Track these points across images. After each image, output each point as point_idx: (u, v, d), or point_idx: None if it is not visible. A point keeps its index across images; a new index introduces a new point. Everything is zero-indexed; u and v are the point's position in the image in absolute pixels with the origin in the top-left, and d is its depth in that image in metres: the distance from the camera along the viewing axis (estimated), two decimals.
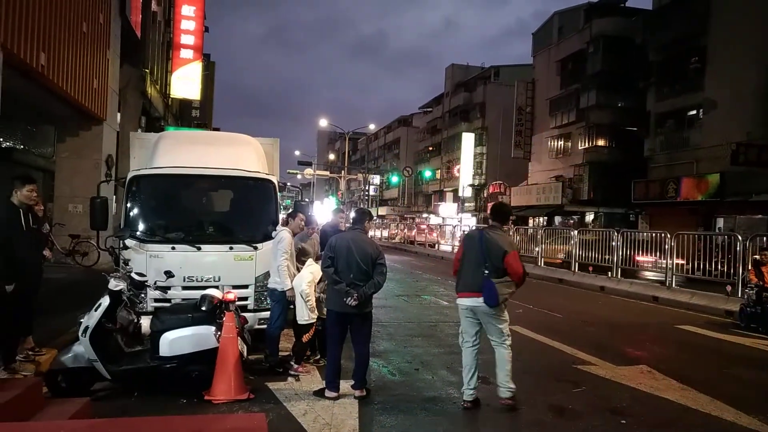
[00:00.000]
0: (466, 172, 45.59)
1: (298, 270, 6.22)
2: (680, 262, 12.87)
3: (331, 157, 79.27)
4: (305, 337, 5.95)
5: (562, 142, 34.53)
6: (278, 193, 7.16)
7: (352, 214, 5.85)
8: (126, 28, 15.14)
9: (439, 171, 53.00)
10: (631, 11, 31.84)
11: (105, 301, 5.05)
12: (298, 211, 6.67)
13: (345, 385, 5.27)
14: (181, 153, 7.08)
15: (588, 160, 31.25)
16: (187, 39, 22.27)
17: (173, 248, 6.41)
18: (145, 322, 5.57)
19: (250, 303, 6.61)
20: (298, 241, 6.58)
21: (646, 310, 11.64)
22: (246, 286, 6.58)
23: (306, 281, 5.86)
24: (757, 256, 10.18)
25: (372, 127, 60.84)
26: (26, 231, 5.46)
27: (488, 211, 5.76)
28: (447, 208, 47.93)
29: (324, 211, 38.68)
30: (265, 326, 6.35)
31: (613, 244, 14.70)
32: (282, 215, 7.15)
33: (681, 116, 25.72)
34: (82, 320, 5.04)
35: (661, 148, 26.32)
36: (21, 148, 14.43)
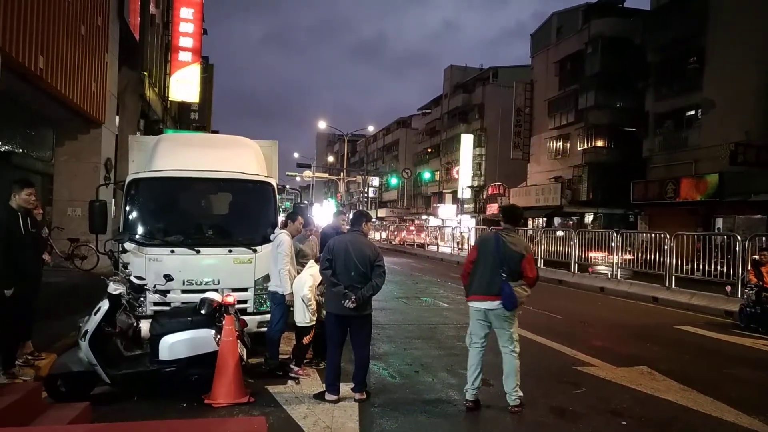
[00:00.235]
0: (465, 173, 45.60)
1: (298, 272, 6.22)
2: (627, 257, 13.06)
3: (330, 159, 79.27)
4: (306, 339, 5.94)
5: (561, 143, 34.55)
6: (277, 196, 7.15)
7: (350, 216, 5.85)
8: (124, 31, 15.14)
9: (438, 172, 53.00)
10: (630, 12, 31.88)
11: (104, 304, 5.03)
12: (296, 213, 6.67)
13: (345, 388, 5.26)
14: (180, 156, 7.07)
15: (587, 161, 31.27)
16: (185, 41, 22.27)
17: (172, 251, 6.40)
18: (145, 326, 5.55)
19: (249, 306, 6.60)
20: (296, 243, 6.58)
21: (646, 311, 11.64)
22: (245, 289, 6.57)
23: (307, 286, 5.84)
24: (757, 256, 10.19)
25: (371, 128, 60.91)
26: (25, 235, 5.45)
27: (500, 214, 5.73)
28: (446, 210, 47.94)
29: (323, 213, 38.69)
30: (264, 329, 6.34)
31: (612, 244, 14.73)
32: (281, 217, 7.15)
33: (680, 116, 25.74)
34: (81, 324, 5.03)
35: (659, 149, 26.34)
36: (19, 152, 14.40)
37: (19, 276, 5.25)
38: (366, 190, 53.89)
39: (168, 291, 6.02)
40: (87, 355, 4.88)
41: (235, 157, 7.26)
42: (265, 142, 8.38)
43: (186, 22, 22.24)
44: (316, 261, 6.22)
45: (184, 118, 30.31)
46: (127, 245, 6.32)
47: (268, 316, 6.35)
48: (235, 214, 7.54)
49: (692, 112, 25.07)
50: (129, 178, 6.76)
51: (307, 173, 50.46)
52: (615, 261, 14.54)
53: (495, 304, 4.99)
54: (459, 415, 5.05)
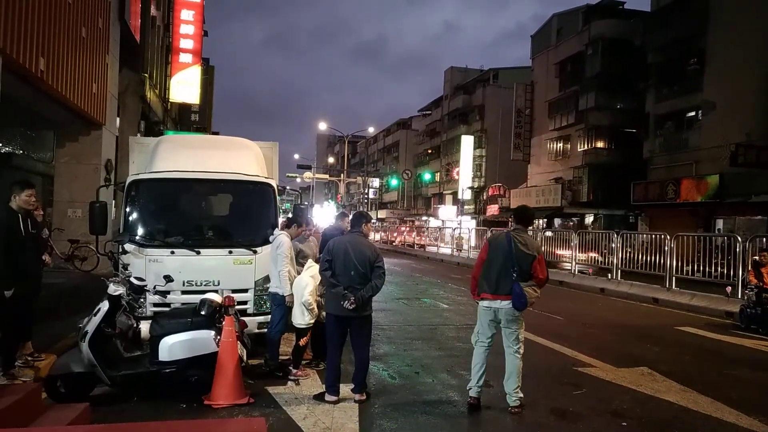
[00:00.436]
0: (465, 174, 45.62)
1: (298, 272, 6.22)
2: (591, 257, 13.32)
3: (331, 160, 79.28)
4: (302, 341, 5.93)
5: (562, 144, 34.55)
6: (277, 197, 7.15)
7: (350, 217, 5.85)
8: (125, 33, 15.16)
9: (439, 174, 53.02)
10: (630, 13, 31.90)
11: (104, 305, 5.04)
12: (297, 219, 6.67)
13: (345, 389, 5.26)
14: (180, 157, 7.07)
15: (587, 162, 31.28)
16: (186, 43, 22.30)
17: (172, 252, 6.40)
18: (145, 327, 5.55)
19: (249, 307, 6.59)
20: (296, 244, 6.60)
21: (647, 312, 11.64)
22: (245, 290, 6.57)
23: (308, 290, 5.82)
24: (757, 257, 10.18)
25: (371, 130, 60.81)
26: (25, 236, 5.45)
27: (512, 215, 5.73)
28: (446, 211, 47.95)
29: (323, 214, 38.67)
30: (264, 330, 6.34)
31: (613, 245, 14.73)
32: (281, 219, 7.15)
33: (680, 118, 25.75)
34: (81, 325, 5.03)
35: (660, 150, 26.35)
36: (20, 153, 14.44)
37: (19, 277, 5.25)
38: (366, 191, 53.91)
39: (168, 292, 6.02)
40: (87, 356, 4.88)
41: (235, 158, 7.26)
42: (265, 144, 8.38)
43: (186, 23, 22.28)
44: (316, 261, 6.22)
45: (185, 119, 30.35)
46: (128, 246, 6.32)
47: (268, 317, 6.35)
48: (236, 215, 7.54)
49: (693, 113, 25.09)
50: (129, 180, 6.77)
51: (308, 174, 50.48)
52: (615, 262, 14.54)
53: (505, 304, 5.02)
54: (459, 416, 5.05)
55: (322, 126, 56.25)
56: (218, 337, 5.13)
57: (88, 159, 13.71)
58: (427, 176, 52.87)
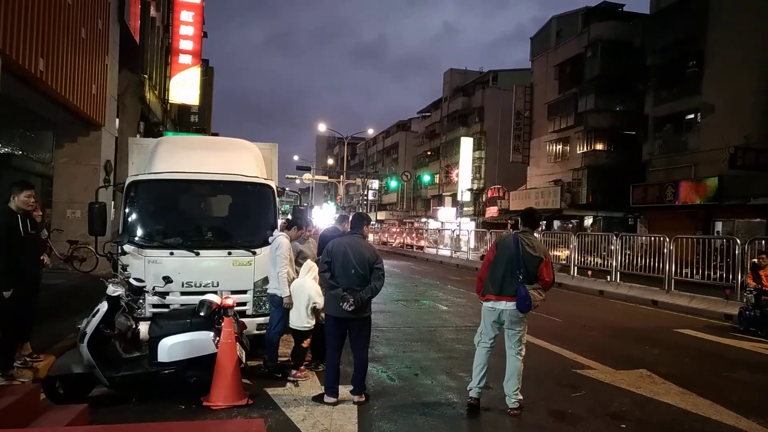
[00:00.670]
0: (464, 176, 45.62)
1: (297, 273, 6.22)
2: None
3: (330, 161, 79.28)
4: (305, 343, 5.93)
5: (561, 147, 34.59)
6: (277, 198, 7.14)
7: (350, 219, 5.85)
8: (125, 34, 15.17)
9: (438, 175, 53.04)
10: (629, 15, 31.96)
11: (103, 306, 5.03)
12: (296, 221, 6.66)
13: (344, 391, 5.25)
14: (180, 158, 7.07)
15: (586, 164, 31.30)
16: (185, 44, 22.32)
17: (171, 253, 6.39)
18: (144, 328, 5.55)
19: (248, 308, 6.59)
20: (296, 244, 6.60)
21: (646, 314, 11.64)
22: (244, 292, 6.56)
23: (317, 294, 5.81)
24: (756, 260, 10.19)
25: (371, 131, 60.84)
26: (25, 236, 5.45)
27: (519, 217, 5.75)
28: (446, 213, 47.94)
29: (322, 215, 38.64)
30: (263, 332, 6.33)
31: (612, 248, 14.74)
32: (281, 220, 7.15)
33: (679, 120, 25.78)
34: (80, 326, 5.02)
35: (659, 152, 26.37)
36: (19, 154, 14.41)
37: (18, 278, 5.25)
38: (365, 192, 53.92)
39: (167, 293, 6.01)
40: (86, 357, 4.87)
41: (234, 159, 7.26)
42: (264, 145, 8.38)
43: (186, 25, 22.30)
44: (315, 263, 6.22)
45: (184, 120, 30.34)
46: (127, 247, 6.31)
47: (267, 318, 6.35)
48: (235, 216, 7.54)
49: (692, 116, 25.11)
50: (128, 181, 6.76)
51: (307, 176, 50.44)
52: (614, 264, 14.54)
53: (509, 305, 5.02)
54: (458, 417, 5.04)
55: (322, 127, 56.09)
56: (217, 339, 5.12)
57: (87, 160, 13.71)
58: (426, 178, 52.88)
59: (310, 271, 6.08)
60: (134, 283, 5.46)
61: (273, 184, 7.24)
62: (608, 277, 14.71)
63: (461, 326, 9.35)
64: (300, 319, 5.88)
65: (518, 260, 5.03)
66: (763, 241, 11.60)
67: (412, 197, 60.86)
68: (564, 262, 16.74)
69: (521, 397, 5.10)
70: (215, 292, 5.98)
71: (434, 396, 5.59)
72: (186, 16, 22.30)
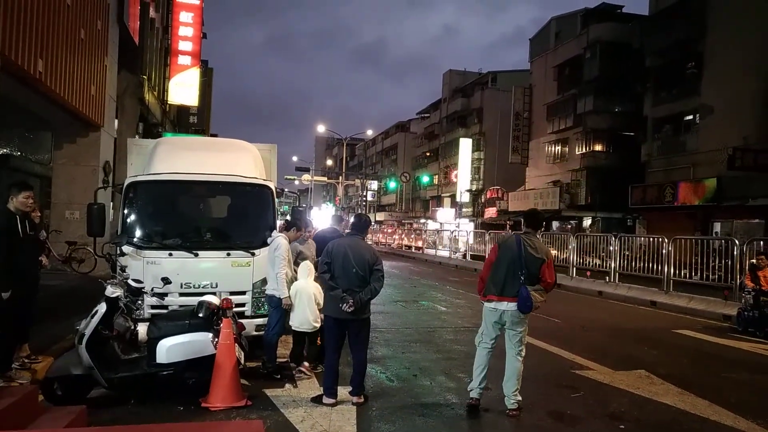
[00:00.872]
0: (463, 177, 45.65)
1: (296, 274, 6.23)
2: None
3: (329, 162, 79.25)
4: (318, 341, 5.98)
5: (560, 148, 34.62)
6: (276, 199, 7.14)
7: (352, 220, 5.86)
8: (124, 35, 15.17)
9: (437, 176, 53.06)
10: (628, 17, 32.01)
11: (101, 308, 5.02)
12: (296, 222, 6.67)
13: (343, 392, 5.25)
14: (179, 159, 7.06)
15: (585, 165, 31.33)
16: (184, 45, 22.31)
17: (170, 254, 6.39)
18: (142, 329, 5.54)
19: (247, 309, 6.58)
20: (296, 245, 6.60)
21: (644, 315, 11.65)
22: (243, 293, 6.56)
23: (319, 298, 5.84)
24: (754, 261, 10.20)
25: (370, 132, 60.84)
26: (23, 237, 5.44)
27: (522, 218, 5.75)
28: (445, 214, 47.95)
29: (322, 217, 38.63)
30: (262, 333, 6.33)
31: (611, 248, 14.75)
32: (279, 221, 7.15)
33: (678, 121, 25.82)
34: (78, 327, 5.02)
35: (658, 153, 26.41)
36: (18, 155, 14.39)
37: (16, 278, 5.24)
38: (365, 193, 53.90)
39: (165, 294, 6.00)
40: (84, 359, 4.86)
41: (233, 160, 7.26)
42: (263, 146, 8.38)
43: (185, 26, 22.30)
44: (315, 265, 6.23)
45: (183, 121, 30.34)
46: (125, 248, 6.30)
47: (266, 319, 6.34)
48: (234, 217, 7.53)
49: (690, 117, 25.16)
50: (127, 182, 6.76)
51: (306, 177, 50.40)
52: (613, 265, 14.55)
53: (510, 306, 5.03)
54: (457, 418, 5.04)
55: (321, 128, 55.98)
56: (216, 340, 5.12)
57: (86, 161, 13.70)
58: (425, 179, 52.92)
59: (310, 272, 6.09)
60: (133, 284, 5.46)
61: (272, 185, 7.24)
62: (607, 277, 14.72)
63: (460, 327, 9.36)
64: (306, 320, 5.88)
65: (520, 261, 5.04)
66: (762, 242, 11.61)
67: (411, 198, 60.86)
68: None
69: (520, 398, 5.11)
70: (214, 293, 5.97)
71: (433, 397, 5.59)
72: (185, 17, 22.30)
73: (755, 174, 20.19)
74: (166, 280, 5.78)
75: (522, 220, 5.73)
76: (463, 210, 44.96)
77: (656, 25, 26.28)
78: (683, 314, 11.46)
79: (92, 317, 4.98)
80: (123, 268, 6.06)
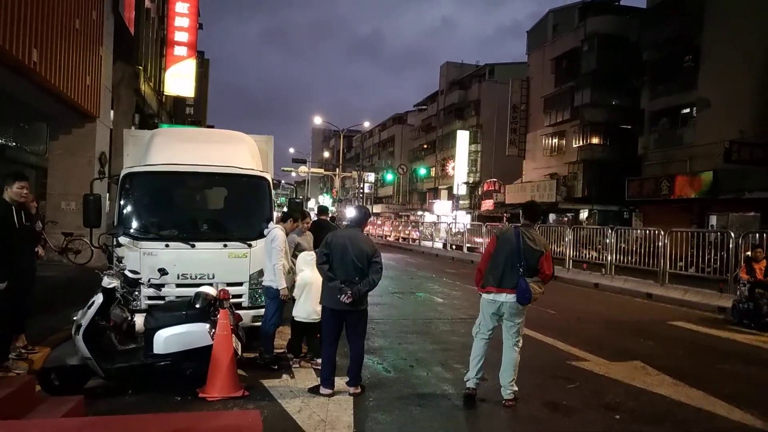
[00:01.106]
0: (460, 169, 45.66)
1: (294, 265, 6.23)
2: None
3: (326, 154, 79.16)
4: (317, 335, 5.97)
5: (557, 140, 34.62)
6: (272, 191, 7.13)
7: (352, 212, 5.86)
8: (119, 25, 15.05)
9: (434, 169, 53.04)
10: (626, 10, 31.95)
11: (98, 298, 5.02)
12: (292, 213, 6.66)
13: (340, 382, 5.27)
14: (175, 150, 7.04)
15: (582, 158, 31.36)
16: (180, 36, 22.18)
17: (167, 246, 6.38)
18: (139, 320, 5.55)
19: (244, 300, 6.59)
20: (294, 236, 6.60)
21: (640, 307, 11.70)
22: (240, 284, 6.56)
23: (316, 280, 5.83)
24: (749, 253, 10.25)
25: (367, 124, 60.71)
26: (19, 228, 5.42)
27: (520, 210, 5.76)
28: (442, 206, 47.98)
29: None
30: (259, 324, 6.34)
31: (607, 241, 14.79)
32: (276, 213, 7.14)
33: (675, 114, 25.84)
34: (75, 318, 5.01)
35: (655, 146, 26.45)
36: (13, 146, 14.33)
37: (13, 270, 5.22)
38: (362, 185, 53.86)
39: (162, 285, 5.99)
40: (81, 349, 4.86)
41: (230, 151, 7.24)
42: (260, 137, 8.36)
43: (181, 16, 22.16)
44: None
45: (180, 112, 30.20)
46: (122, 239, 6.29)
47: (263, 310, 6.35)
48: (230, 208, 7.52)
49: (687, 110, 25.19)
50: (123, 172, 6.73)
51: (303, 169, 50.37)
52: (609, 257, 14.59)
53: (510, 297, 5.05)
54: (453, 408, 5.07)
55: (318, 120, 55.80)
56: (213, 331, 5.13)
57: (82, 152, 13.63)
58: (422, 171, 52.90)
59: (308, 271, 6.05)
60: (129, 275, 5.45)
61: (269, 177, 7.22)
62: (603, 270, 14.77)
63: (456, 318, 9.39)
64: (314, 311, 5.88)
65: (519, 253, 5.05)
66: (757, 235, 11.65)
67: (408, 190, 60.86)
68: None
69: (516, 389, 5.13)
70: (211, 285, 5.98)
71: (429, 387, 5.62)
72: (181, 7, 22.16)
73: (751, 167, 20.26)
74: (162, 271, 5.78)
75: (520, 212, 5.73)
76: (460, 202, 45.01)
77: (654, 19, 26.24)
78: (679, 306, 11.52)
79: (89, 308, 4.97)
80: (120, 259, 6.05)
